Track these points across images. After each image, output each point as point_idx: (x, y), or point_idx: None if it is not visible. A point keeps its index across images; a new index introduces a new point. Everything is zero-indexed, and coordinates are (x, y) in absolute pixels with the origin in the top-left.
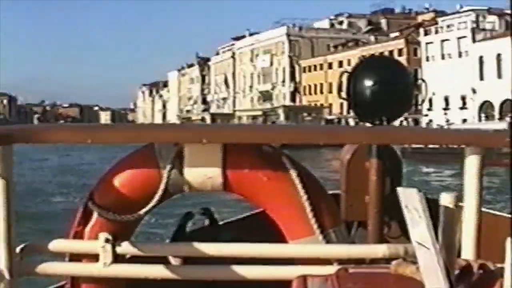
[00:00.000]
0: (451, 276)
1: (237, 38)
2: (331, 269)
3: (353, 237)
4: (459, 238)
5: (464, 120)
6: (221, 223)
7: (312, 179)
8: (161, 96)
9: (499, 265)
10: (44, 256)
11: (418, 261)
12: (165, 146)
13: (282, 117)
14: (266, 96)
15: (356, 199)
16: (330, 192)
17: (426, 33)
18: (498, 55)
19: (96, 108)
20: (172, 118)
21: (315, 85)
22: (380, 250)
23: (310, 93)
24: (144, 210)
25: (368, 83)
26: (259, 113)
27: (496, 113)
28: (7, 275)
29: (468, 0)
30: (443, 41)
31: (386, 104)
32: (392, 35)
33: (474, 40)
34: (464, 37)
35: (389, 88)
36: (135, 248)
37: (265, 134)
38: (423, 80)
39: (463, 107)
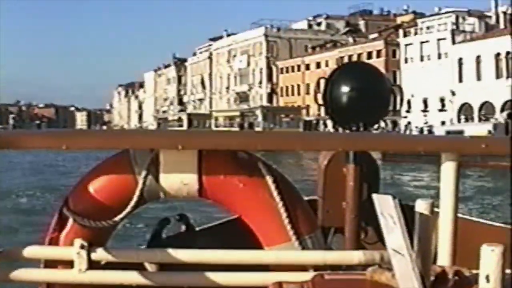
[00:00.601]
0: (426, 283)
1: (215, 39)
2: (307, 276)
3: (330, 243)
4: (435, 244)
5: (443, 122)
6: (197, 229)
7: (288, 185)
8: (137, 97)
9: (474, 271)
10: (19, 262)
11: (394, 268)
12: (141, 152)
13: (260, 117)
14: (242, 97)
15: (333, 205)
16: (307, 198)
17: (405, 35)
18: (478, 57)
19: (72, 108)
20: (149, 119)
21: (292, 86)
22: (356, 256)
23: (287, 95)
24: (119, 216)
25: (345, 89)
26: (237, 113)
27: (476, 115)
28: None
29: (446, 1)
30: (422, 42)
31: (363, 110)
32: (371, 36)
33: (453, 42)
34: (444, 38)
35: (366, 94)
36: (110, 254)
37: (241, 140)
38: (399, 86)
39: (442, 109)
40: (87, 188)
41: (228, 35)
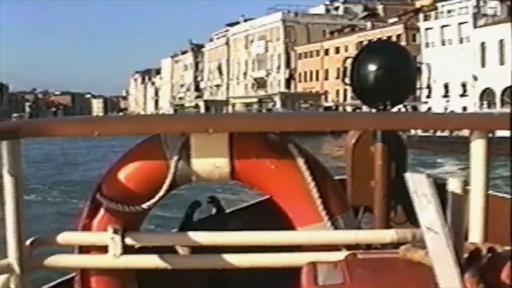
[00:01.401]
0: (460, 260)
1: (232, 24)
2: (340, 255)
3: (359, 222)
4: (467, 222)
5: (464, 108)
6: (228, 211)
7: (319, 166)
8: (153, 83)
9: (507, 248)
10: (54, 248)
11: (427, 246)
12: (172, 136)
13: (278, 104)
14: (260, 83)
15: (362, 184)
16: (337, 177)
17: (425, 19)
18: (501, 41)
19: (88, 96)
20: (165, 105)
21: (311, 72)
22: (388, 235)
23: (305, 80)
24: (152, 201)
25: (372, 68)
26: (254, 100)
27: (498, 101)
28: (17, 269)
29: None
30: (443, 26)
31: (390, 89)
32: (390, 20)
33: (475, 26)
34: (465, 22)
35: (392, 73)
36: (143, 239)
37: (271, 122)
38: (428, 65)
39: (463, 95)
40: (119, 173)
41: (245, 21)
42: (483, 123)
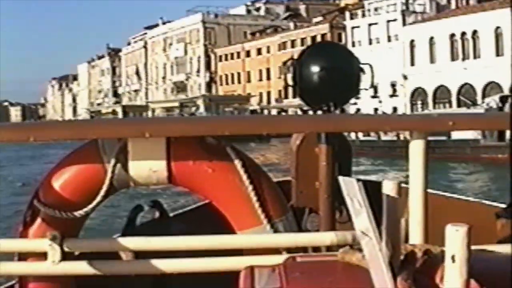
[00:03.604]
0: (394, 263)
1: (150, 27)
2: (280, 259)
3: (305, 224)
4: (406, 223)
5: (395, 109)
6: (171, 215)
7: (257, 169)
8: (71, 90)
9: (444, 249)
10: None
11: (363, 249)
12: (109, 141)
13: (202, 108)
14: (180, 87)
15: (307, 185)
16: (280, 179)
17: (351, 17)
18: (431, 39)
19: (5, 103)
20: (83, 112)
21: (232, 75)
22: (328, 237)
23: (227, 83)
24: (90, 206)
25: (315, 69)
26: (175, 104)
27: (430, 100)
28: None
29: None
30: (370, 25)
31: (333, 90)
32: (315, 20)
33: (404, 23)
34: (394, 20)
35: (336, 74)
36: (83, 245)
37: (208, 126)
38: (369, 65)
39: (393, 95)
40: (56, 179)
41: (164, 23)
42: (422, 124)
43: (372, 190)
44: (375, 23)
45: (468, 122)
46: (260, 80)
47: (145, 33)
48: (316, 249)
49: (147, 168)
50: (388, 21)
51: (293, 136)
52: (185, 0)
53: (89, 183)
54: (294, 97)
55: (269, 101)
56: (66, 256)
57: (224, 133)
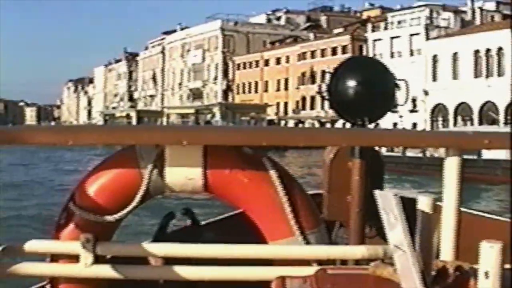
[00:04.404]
0: (426, 278)
1: (168, 33)
2: (311, 270)
3: (335, 237)
4: (438, 239)
5: (414, 124)
6: (202, 223)
7: (292, 181)
8: (86, 92)
9: (476, 266)
10: (25, 257)
11: (395, 263)
12: (146, 148)
13: (218, 115)
14: (196, 94)
15: (339, 199)
16: (312, 192)
17: (374, 30)
18: (454, 54)
19: (21, 104)
20: (98, 115)
21: (250, 83)
22: (359, 251)
23: (244, 92)
24: (125, 211)
25: (351, 83)
26: (191, 111)
27: (451, 117)
28: None
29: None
30: (393, 38)
31: (368, 104)
32: (336, 31)
33: (427, 38)
34: (417, 34)
35: (371, 89)
36: (116, 249)
37: (246, 135)
38: (405, 80)
39: (413, 110)
40: (93, 183)
41: (182, 29)
42: (458, 141)
43: (406, 206)
44: (398, 36)
45: (504, 141)
46: (278, 90)
47: (163, 38)
48: (344, 262)
49: (183, 175)
50: (411, 34)
51: (327, 149)
52: (204, 7)
53: (125, 188)
54: (311, 108)
55: (286, 112)
56: (98, 259)
57: (262, 143)
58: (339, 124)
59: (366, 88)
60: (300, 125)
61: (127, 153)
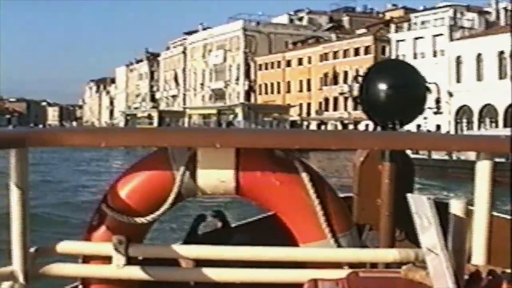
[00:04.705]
0: (460, 282)
1: (190, 33)
2: (342, 273)
3: (364, 240)
4: (469, 243)
5: (438, 127)
6: (233, 225)
7: (324, 183)
8: (108, 92)
9: (508, 271)
10: (58, 257)
11: (428, 266)
12: (179, 150)
13: (240, 116)
14: (218, 94)
15: (368, 202)
16: (343, 195)
17: (397, 30)
18: (479, 55)
19: (44, 103)
20: (119, 115)
21: (272, 84)
22: (390, 254)
23: (266, 93)
24: (157, 213)
25: (382, 86)
26: (213, 111)
27: (475, 119)
28: (20, 277)
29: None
30: (416, 39)
31: (400, 108)
32: (358, 31)
33: (451, 38)
34: (441, 34)
35: (403, 92)
36: (147, 251)
37: (278, 139)
38: (436, 84)
39: (437, 112)
40: (125, 184)
41: (204, 29)
42: (490, 145)
43: (439, 210)
44: (421, 37)
45: None
46: (300, 91)
47: (185, 39)
48: (373, 265)
49: (215, 177)
50: (435, 35)
51: (357, 152)
52: (226, 7)
53: (157, 190)
54: (334, 109)
55: (309, 113)
56: (130, 261)
57: (294, 146)
58: (361, 125)
59: (398, 91)
60: (323, 127)
61: (159, 155)
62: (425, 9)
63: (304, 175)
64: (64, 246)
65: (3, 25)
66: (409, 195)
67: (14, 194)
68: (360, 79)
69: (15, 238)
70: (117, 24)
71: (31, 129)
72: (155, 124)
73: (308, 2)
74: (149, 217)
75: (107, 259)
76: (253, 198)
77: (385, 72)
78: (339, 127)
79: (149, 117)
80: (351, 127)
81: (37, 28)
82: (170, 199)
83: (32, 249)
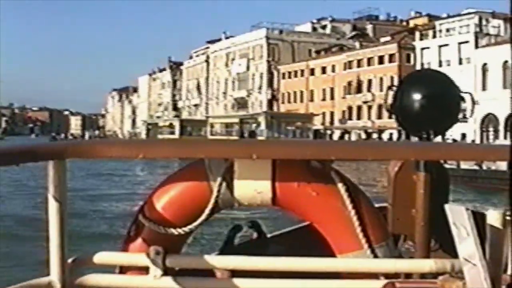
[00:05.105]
0: None
1: (213, 42)
2: (379, 284)
3: (399, 251)
4: (506, 254)
5: (463, 135)
6: (269, 236)
7: (360, 194)
8: (130, 101)
9: None
10: (95, 268)
11: (465, 277)
12: (215, 161)
13: (263, 125)
14: (241, 103)
15: (403, 212)
16: (378, 205)
17: (421, 38)
18: (505, 63)
19: (66, 112)
20: (141, 124)
21: (295, 93)
22: (427, 265)
23: (289, 101)
24: (194, 224)
25: (416, 97)
26: (235, 120)
27: (501, 128)
28: (58, 287)
29: (460, 2)
30: (441, 46)
31: (434, 118)
32: (382, 39)
33: (477, 46)
34: (466, 42)
35: (437, 102)
36: (184, 261)
37: (314, 150)
38: (470, 93)
39: (462, 120)
40: (162, 195)
41: (227, 38)
42: None
43: (476, 220)
44: (446, 45)
45: None
46: (324, 99)
47: (208, 47)
48: (408, 275)
49: (252, 188)
50: (460, 43)
51: (391, 162)
52: (249, 16)
53: (194, 201)
54: (358, 118)
55: (332, 122)
56: (167, 272)
57: (330, 157)
58: (386, 134)
59: (432, 101)
60: (346, 136)
61: (196, 167)
62: (449, 16)
63: (340, 186)
64: (101, 257)
65: (27, 35)
66: (447, 205)
67: (52, 205)
68: (394, 88)
69: (53, 248)
70: (140, 34)
71: (69, 142)
72: (177, 133)
73: (331, 10)
74: (186, 228)
75: (144, 270)
76: (289, 208)
77: (419, 82)
78: (363, 136)
79: (171, 125)
80: (375, 136)
81: (61, 38)
82: (207, 210)
83: (69, 260)
